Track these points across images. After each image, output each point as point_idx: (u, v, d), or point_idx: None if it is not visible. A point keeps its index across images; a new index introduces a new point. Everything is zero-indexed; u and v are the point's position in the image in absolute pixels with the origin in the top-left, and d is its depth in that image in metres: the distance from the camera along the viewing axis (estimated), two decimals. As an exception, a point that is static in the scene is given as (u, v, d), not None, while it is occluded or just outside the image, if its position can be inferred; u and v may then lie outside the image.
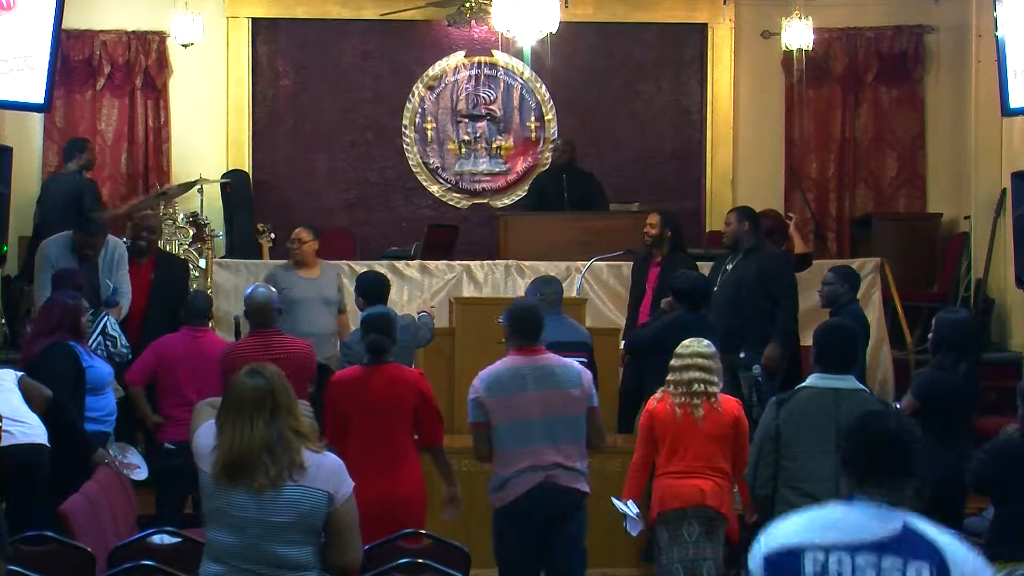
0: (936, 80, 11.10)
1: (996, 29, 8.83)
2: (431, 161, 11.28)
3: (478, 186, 11.35)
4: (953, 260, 10.47)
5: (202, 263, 9.21)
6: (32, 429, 5.68)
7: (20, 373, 5.97)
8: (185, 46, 10.26)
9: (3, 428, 5.43)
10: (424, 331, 6.94)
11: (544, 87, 11.31)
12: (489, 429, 5.35)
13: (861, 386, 4.94)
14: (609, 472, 6.51)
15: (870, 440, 2.87)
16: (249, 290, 6.47)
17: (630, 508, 5.60)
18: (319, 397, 5.86)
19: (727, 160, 11.23)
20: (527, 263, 9.18)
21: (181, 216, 9.54)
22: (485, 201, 11.33)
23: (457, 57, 11.29)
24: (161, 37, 10.73)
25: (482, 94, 11.32)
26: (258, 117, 11.11)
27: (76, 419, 6.05)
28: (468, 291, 9.02)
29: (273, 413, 3.65)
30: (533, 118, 11.34)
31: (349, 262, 9.04)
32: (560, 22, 9.11)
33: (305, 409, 4.05)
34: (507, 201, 11.30)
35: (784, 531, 2.84)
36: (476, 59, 11.31)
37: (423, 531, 5.19)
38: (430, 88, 11.28)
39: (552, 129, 11.29)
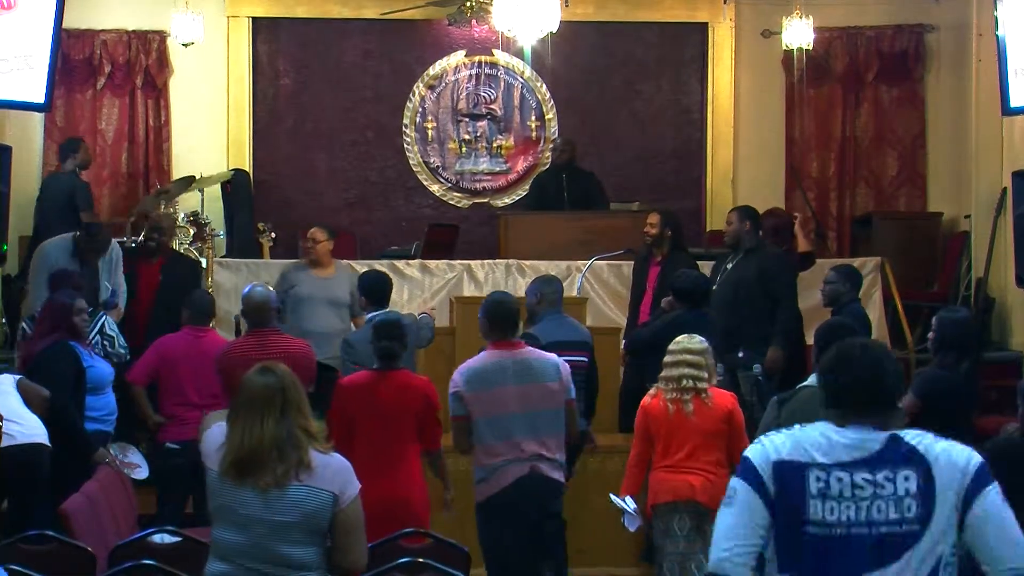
0: (937, 79, 11.10)
1: (997, 28, 8.81)
2: (431, 160, 11.28)
3: (478, 185, 11.34)
4: (954, 259, 10.46)
5: (203, 262, 9.21)
6: (32, 429, 5.69)
7: (19, 376, 5.98)
8: (185, 45, 10.25)
9: (3, 428, 5.44)
10: (425, 331, 6.97)
11: (544, 86, 11.31)
12: (470, 423, 5.41)
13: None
14: (609, 471, 6.52)
15: (854, 381, 2.94)
16: (247, 289, 6.45)
17: (628, 504, 5.63)
18: (323, 397, 5.84)
19: (727, 159, 11.22)
20: (527, 262, 9.19)
21: (182, 215, 9.55)
22: (485, 200, 11.32)
23: (458, 56, 11.29)
24: (161, 36, 10.73)
25: (482, 93, 11.31)
26: (258, 116, 11.10)
27: (76, 419, 6.06)
28: (469, 291, 9.02)
29: (284, 411, 3.66)
30: (533, 117, 11.33)
31: (350, 262, 9.03)
32: (560, 21, 9.12)
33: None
34: (507, 200, 11.29)
35: (786, 446, 2.92)
36: (477, 58, 11.31)
37: (423, 530, 5.19)
38: (431, 87, 11.27)
39: (552, 128, 11.28)
